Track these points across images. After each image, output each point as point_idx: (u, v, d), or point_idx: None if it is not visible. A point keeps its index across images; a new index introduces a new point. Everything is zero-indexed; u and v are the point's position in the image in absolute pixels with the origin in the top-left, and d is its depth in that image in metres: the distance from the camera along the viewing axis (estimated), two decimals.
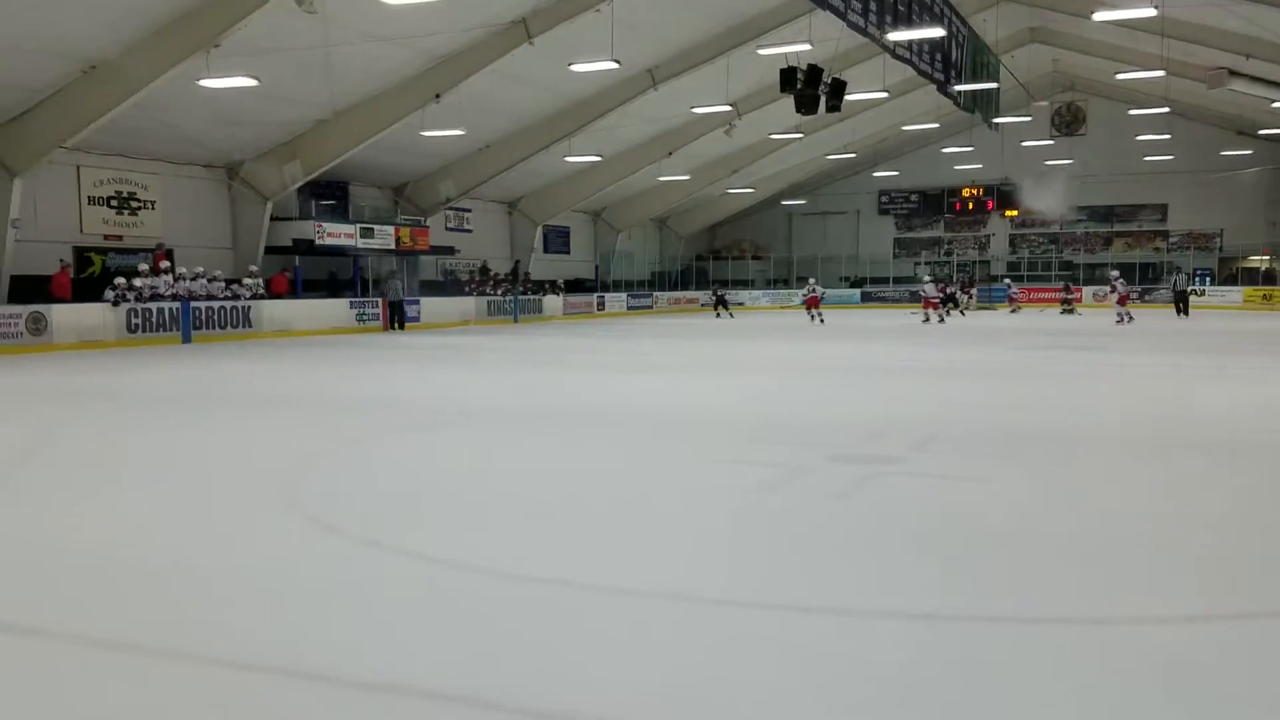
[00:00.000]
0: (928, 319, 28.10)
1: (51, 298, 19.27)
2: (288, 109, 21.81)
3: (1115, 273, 31.02)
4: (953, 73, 22.62)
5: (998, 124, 31.47)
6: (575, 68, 20.90)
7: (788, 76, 18.94)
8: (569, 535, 5.24)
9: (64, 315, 18.69)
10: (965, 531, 5.23)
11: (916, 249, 47.07)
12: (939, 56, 21.67)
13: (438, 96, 21.69)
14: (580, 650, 3.60)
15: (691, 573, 4.53)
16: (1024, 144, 38.31)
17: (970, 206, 45.77)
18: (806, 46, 20.35)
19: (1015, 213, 44.68)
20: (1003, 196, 44.70)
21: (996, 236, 46.05)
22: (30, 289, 19.44)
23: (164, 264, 21.40)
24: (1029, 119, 36.61)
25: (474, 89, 21.88)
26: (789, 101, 20.36)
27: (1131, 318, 26.11)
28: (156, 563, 4.77)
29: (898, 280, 44.61)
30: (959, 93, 24.28)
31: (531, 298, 32.48)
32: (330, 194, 27.08)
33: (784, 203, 46.91)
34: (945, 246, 46.74)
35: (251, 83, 17.99)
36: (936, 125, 36.11)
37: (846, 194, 47.15)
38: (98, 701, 3.24)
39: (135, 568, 4.68)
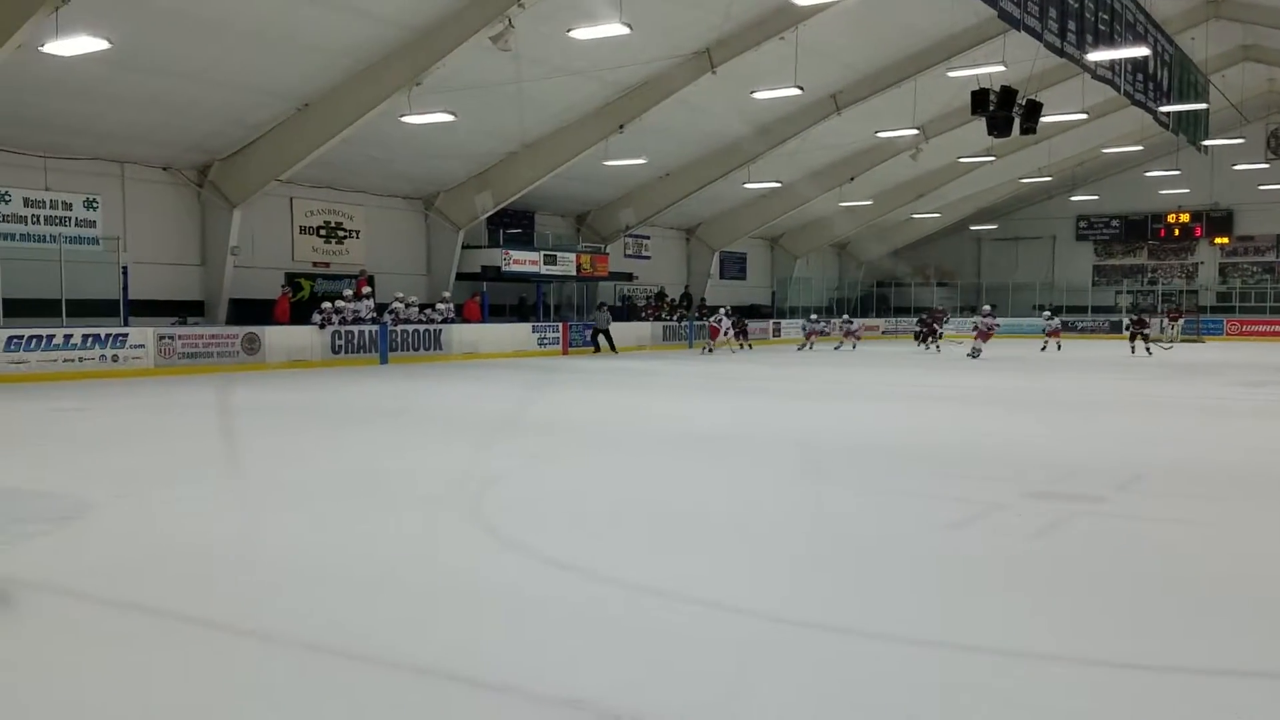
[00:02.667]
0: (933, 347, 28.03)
1: (271, 320, 20.74)
2: (481, 142, 22.79)
3: None
4: (1158, 93, 21.33)
5: (1207, 146, 29.41)
6: (757, 95, 20.94)
7: (979, 98, 18.31)
8: (751, 564, 5.18)
9: (276, 336, 20.10)
10: (1171, 578, 4.85)
11: (1117, 277, 44.45)
12: (1142, 76, 20.49)
13: (621, 127, 22.16)
14: (755, 682, 3.53)
15: (882, 611, 4.38)
16: (1236, 167, 35.62)
17: (1176, 233, 42.91)
18: (1000, 68, 19.66)
19: (1226, 240, 41.57)
20: (1212, 222, 41.70)
21: (1205, 265, 42.91)
22: (248, 311, 21.02)
23: (365, 289, 22.74)
24: (1241, 140, 34.00)
25: (656, 118, 22.24)
26: (980, 124, 19.70)
27: None
28: (359, 572, 5.02)
29: (1096, 309, 42.19)
30: (1165, 114, 22.84)
31: (705, 323, 32.54)
32: (517, 222, 28.11)
33: (973, 227, 45.24)
34: (1149, 275, 43.94)
35: (449, 118, 18.92)
36: (1140, 148, 34.06)
37: (1041, 219, 45.08)
38: (303, 702, 3.42)
39: (334, 574, 4.94)
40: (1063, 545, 5.58)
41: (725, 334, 27.80)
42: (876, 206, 36.05)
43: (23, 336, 16.29)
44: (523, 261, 26.81)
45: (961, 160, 31.73)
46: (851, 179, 31.48)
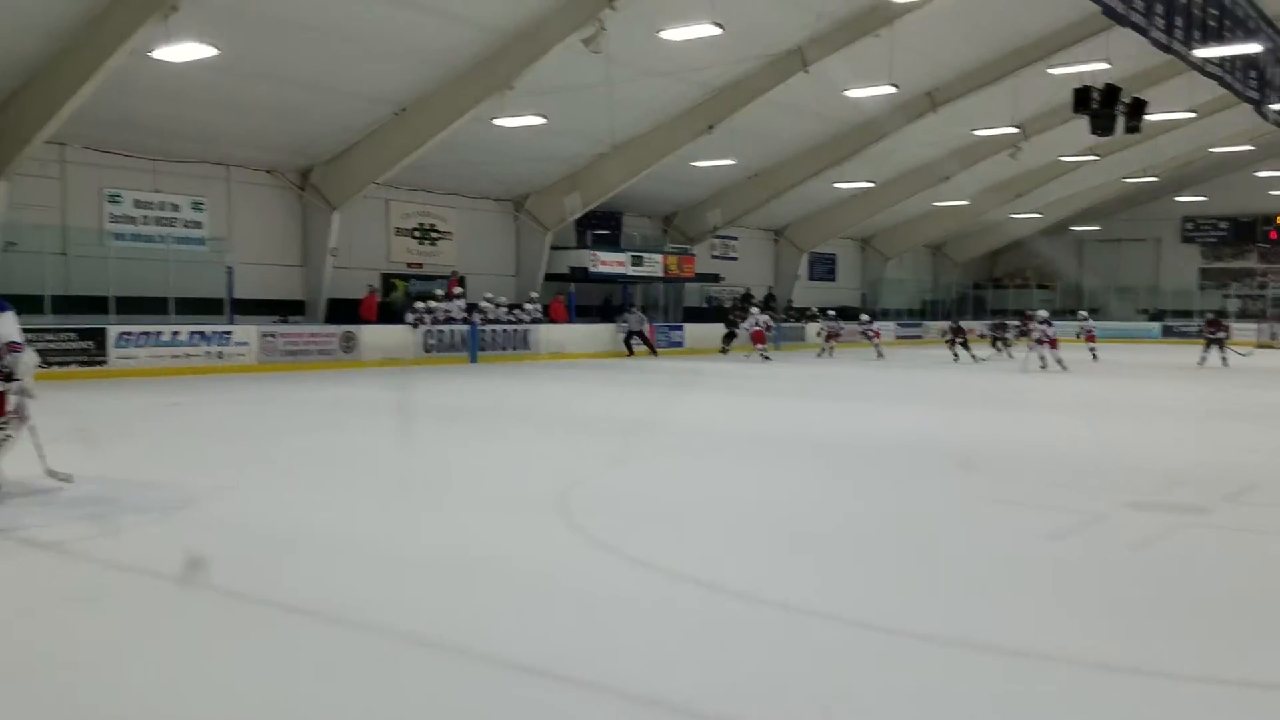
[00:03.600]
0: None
1: (360, 319, 21.26)
2: (571, 144, 22.98)
3: None
4: (1270, 90, 20.37)
5: None
6: (850, 93, 20.67)
7: (1082, 96, 17.78)
8: (841, 568, 5.10)
9: (371, 335, 20.59)
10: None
11: (1225, 281, 42.65)
12: (1254, 73, 19.59)
13: (710, 127, 22.11)
14: (855, 691, 3.47)
15: (974, 619, 4.27)
16: None
17: None
18: (1103, 65, 19.04)
19: None
20: None
21: None
22: (344, 311, 21.57)
23: (457, 290, 23.12)
24: None
25: (746, 118, 22.12)
26: (1082, 122, 19.11)
27: None
28: (448, 566, 5.10)
29: (1204, 314, 40.55)
30: (1277, 112, 21.81)
31: (793, 325, 32.29)
32: (604, 224, 28.26)
33: (1074, 228, 43.89)
34: (1259, 279, 42.05)
35: (540, 121, 19.13)
36: (1251, 147, 32.63)
37: (1146, 220, 43.51)
38: (396, 691, 3.48)
39: (423, 568, 5.03)
40: (1167, 558, 5.36)
41: (753, 331, 24.57)
42: (973, 206, 35.26)
43: (133, 333, 17.02)
44: (610, 263, 26.95)
45: (1063, 159, 30.84)
46: (947, 178, 30.85)
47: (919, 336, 36.86)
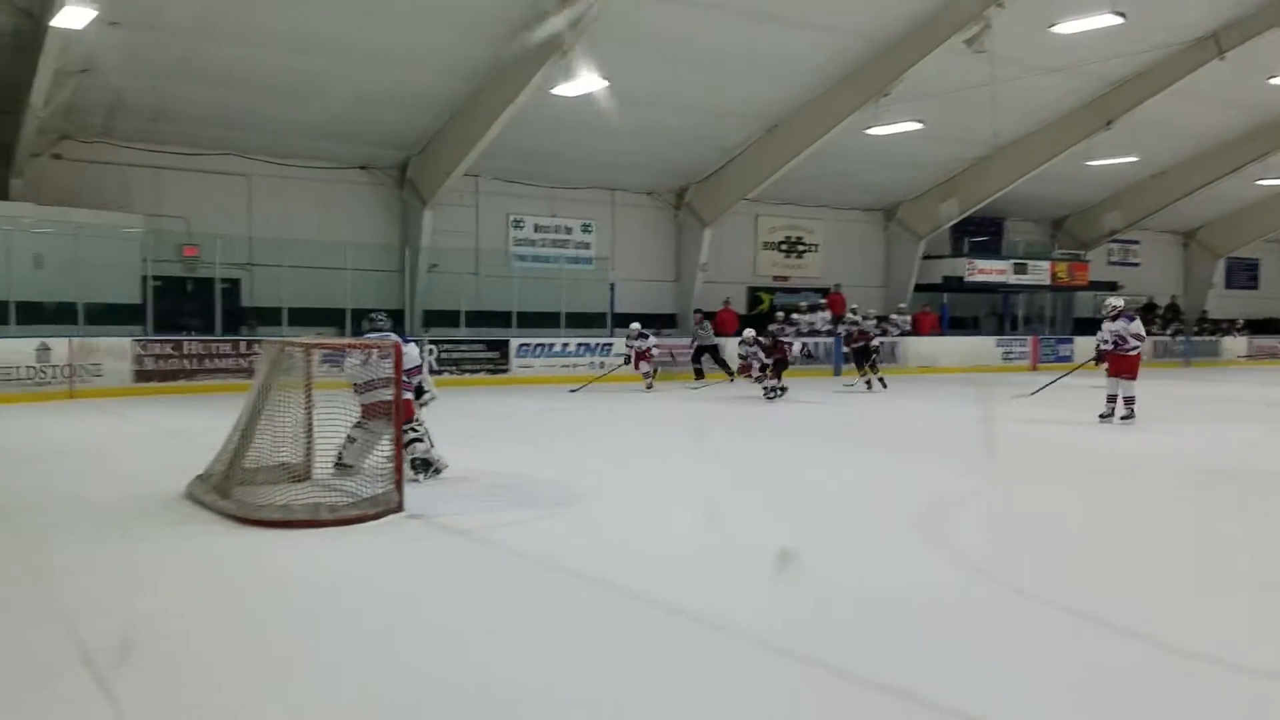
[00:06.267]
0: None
1: (717, 333, 21.72)
2: (948, 148, 22.10)
3: None
4: None
5: None
6: (1276, 80, 18.07)
7: None
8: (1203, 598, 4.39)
9: (733, 347, 20.86)
10: None
11: None
12: None
13: (1109, 123, 20.27)
14: None
15: None
16: None
17: None
18: None
19: None
20: None
21: None
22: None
23: (821, 302, 23.06)
24: None
25: (1149, 112, 20.00)
26: None
27: None
28: (820, 578, 5.02)
29: None
30: None
31: (1206, 339, 28.69)
32: (983, 230, 26.82)
33: None
34: None
35: (916, 126, 18.56)
36: None
37: None
38: (751, 691, 3.44)
39: (793, 578, 4.98)
40: None
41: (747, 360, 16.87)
42: None
43: (530, 344, 18.76)
44: (989, 271, 25.58)
45: None
46: None
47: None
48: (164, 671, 3.74)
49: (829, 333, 22.25)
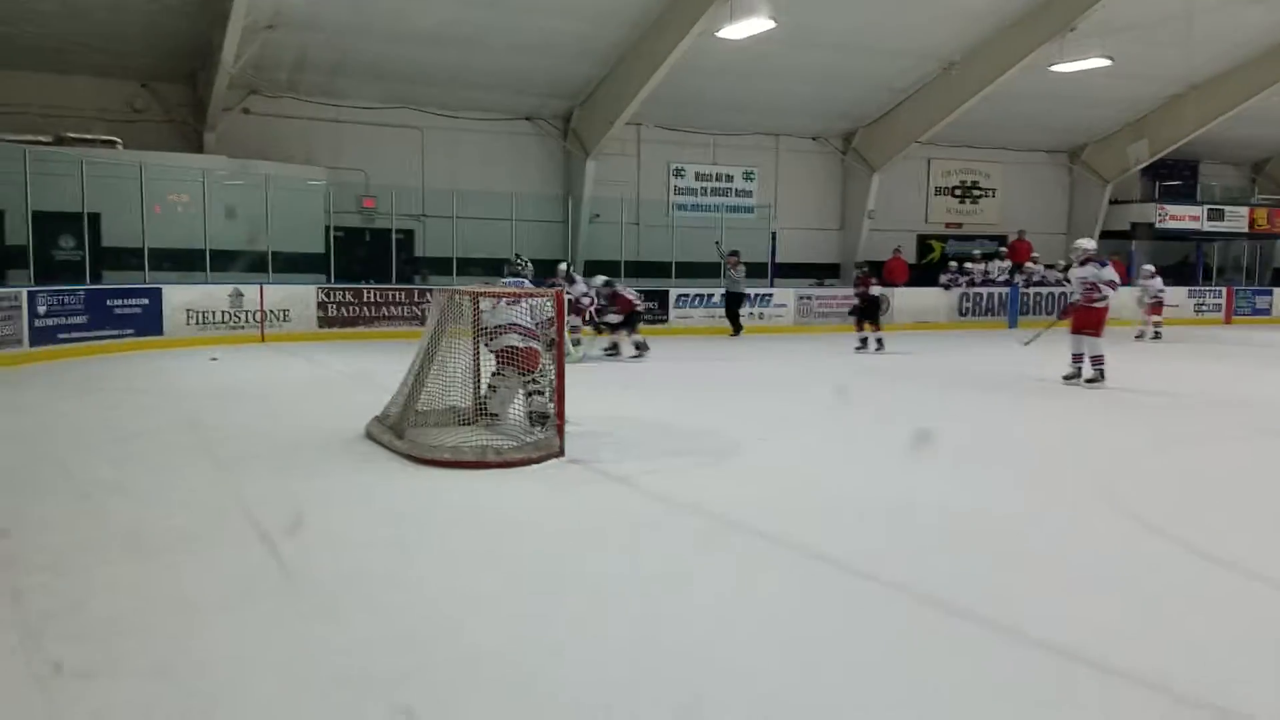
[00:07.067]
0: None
1: (885, 282, 21.06)
2: (1138, 86, 20.61)
3: None
4: None
5: None
6: None
7: None
8: None
9: (903, 298, 20.30)
10: None
11: None
12: None
13: None
14: None
15: None
16: None
17: None
18: None
19: None
20: None
21: None
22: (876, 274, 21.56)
23: (1001, 250, 22.09)
24: None
25: None
26: None
27: None
28: (994, 536, 4.87)
29: None
30: None
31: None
32: (1176, 174, 24.98)
33: None
34: None
35: (1105, 63, 17.32)
36: None
37: None
38: (925, 653, 3.37)
39: (959, 538, 4.84)
40: None
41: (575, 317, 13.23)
42: None
43: (689, 294, 18.72)
44: (1181, 217, 23.90)
45: None
46: None
47: None
48: (345, 592, 3.99)
49: (1005, 282, 21.30)
